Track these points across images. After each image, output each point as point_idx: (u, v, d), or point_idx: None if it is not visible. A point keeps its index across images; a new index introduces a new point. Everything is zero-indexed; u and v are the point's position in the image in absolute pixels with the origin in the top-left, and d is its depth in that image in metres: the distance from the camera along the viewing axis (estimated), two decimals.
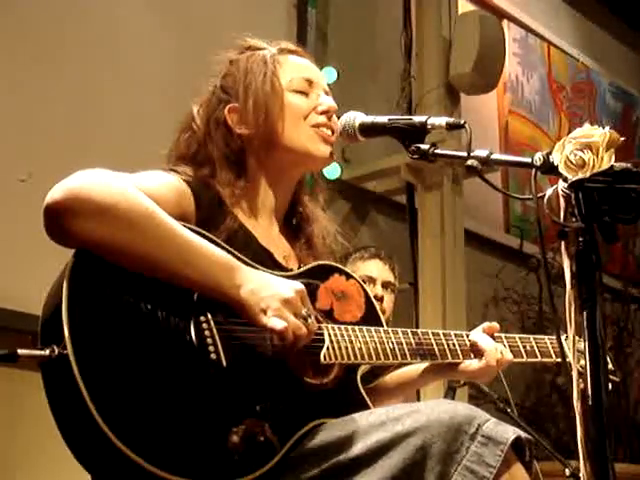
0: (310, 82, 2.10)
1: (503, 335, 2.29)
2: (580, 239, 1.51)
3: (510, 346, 2.28)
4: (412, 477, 1.67)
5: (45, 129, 3.72)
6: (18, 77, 3.71)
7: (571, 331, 1.50)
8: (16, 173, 3.60)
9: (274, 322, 1.74)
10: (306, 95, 2.08)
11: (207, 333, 1.73)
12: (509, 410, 3.34)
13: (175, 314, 1.72)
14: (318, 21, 5.28)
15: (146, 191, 1.76)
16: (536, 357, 2.32)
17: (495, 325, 2.27)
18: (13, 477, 3.46)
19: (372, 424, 1.75)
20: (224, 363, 1.73)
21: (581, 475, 1.47)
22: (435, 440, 1.67)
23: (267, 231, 2.05)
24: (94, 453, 1.60)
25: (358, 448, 1.72)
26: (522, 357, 2.30)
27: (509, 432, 1.71)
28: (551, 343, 2.34)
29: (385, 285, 3.58)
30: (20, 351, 1.61)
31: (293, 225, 2.16)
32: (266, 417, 1.73)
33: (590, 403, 1.46)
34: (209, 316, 1.75)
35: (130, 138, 3.82)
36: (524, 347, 2.31)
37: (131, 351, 1.63)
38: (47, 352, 1.59)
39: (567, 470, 3.21)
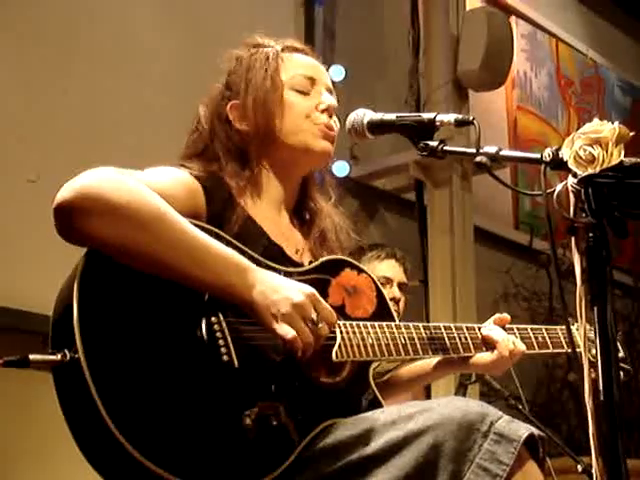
0: (312, 80, 2.09)
1: (515, 327, 2.28)
2: (590, 235, 1.51)
3: (522, 337, 2.27)
4: (425, 475, 1.67)
5: (54, 130, 3.73)
6: (26, 78, 3.71)
7: (582, 327, 1.50)
8: (25, 174, 3.61)
9: (284, 330, 1.72)
10: (307, 94, 2.07)
11: (219, 334, 1.73)
12: (520, 407, 3.34)
13: (186, 315, 1.72)
14: (325, 19, 5.28)
15: (156, 188, 1.76)
16: (548, 348, 2.31)
17: (506, 316, 2.27)
18: (23, 478, 3.47)
19: (384, 423, 1.74)
20: (236, 364, 1.72)
21: (593, 471, 1.47)
22: (447, 438, 1.67)
23: (277, 223, 2.04)
24: (106, 457, 1.60)
25: (370, 447, 1.72)
26: (534, 348, 2.30)
27: (522, 429, 1.70)
28: (563, 333, 2.34)
29: (400, 286, 3.58)
30: (32, 356, 1.60)
31: (305, 219, 2.15)
32: (280, 400, 1.74)
33: (602, 398, 1.46)
34: (220, 317, 1.75)
35: (140, 138, 3.82)
36: (536, 338, 2.31)
37: (142, 354, 1.63)
38: (59, 357, 1.59)
39: (579, 466, 3.20)
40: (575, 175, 1.52)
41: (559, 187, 1.55)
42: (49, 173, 3.55)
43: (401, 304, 3.55)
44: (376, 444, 1.72)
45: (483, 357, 2.19)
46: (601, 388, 1.46)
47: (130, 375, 1.61)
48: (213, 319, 1.74)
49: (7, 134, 3.60)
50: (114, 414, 1.55)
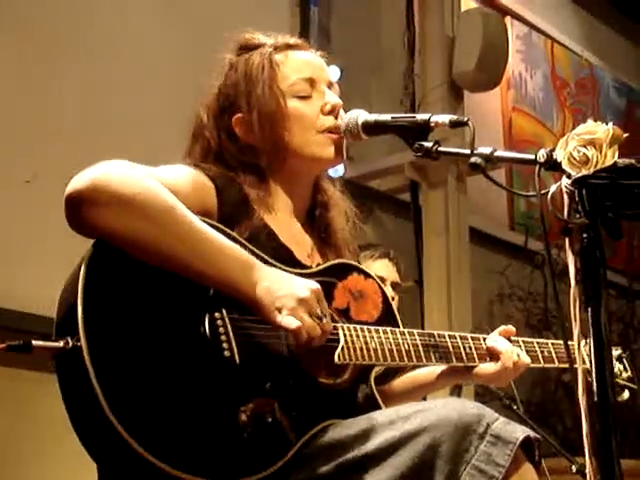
0: (312, 81, 2.07)
1: (520, 339, 2.26)
2: (584, 235, 1.51)
3: (527, 350, 2.24)
4: (421, 476, 1.67)
5: (51, 130, 3.72)
6: (24, 77, 3.71)
7: (576, 328, 1.50)
8: (21, 174, 3.61)
9: (288, 321, 1.73)
10: (309, 98, 2.06)
11: (222, 330, 1.73)
12: (515, 407, 3.34)
13: (190, 309, 1.73)
14: (321, 19, 5.29)
15: (166, 183, 1.76)
16: (553, 362, 2.28)
17: (511, 328, 2.24)
18: (22, 477, 3.47)
19: (381, 423, 1.74)
20: (237, 360, 1.73)
21: (587, 471, 1.47)
22: (444, 439, 1.67)
23: (289, 228, 2.04)
24: (103, 446, 1.60)
25: (367, 446, 1.72)
26: (539, 362, 2.27)
27: (518, 431, 1.70)
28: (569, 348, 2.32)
29: (393, 286, 3.58)
30: (35, 342, 1.61)
31: (316, 216, 2.15)
32: (275, 397, 1.74)
33: (595, 399, 1.46)
34: (224, 312, 1.75)
35: (137, 138, 3.81)
36: (542, 352, 2.29)
37: (144, 345, 1.64)
38: (61, 344, 1.60)
39: (573, 467, 3.21)
40: (569, 176, 1.52)
41: (553, 188, 1.56)
42: (45, 173, 3.55)
43: (394, 303, 3.55)
44: (373, 443, 1.72)
45: (487, 368, 2.18)
46: (595, 388, 1.46)
47: (131, 366, 1.61)
48: (217, 315, 1.74)
49: (3, 135, 3.60)
50: (113, 403, 1.56)
